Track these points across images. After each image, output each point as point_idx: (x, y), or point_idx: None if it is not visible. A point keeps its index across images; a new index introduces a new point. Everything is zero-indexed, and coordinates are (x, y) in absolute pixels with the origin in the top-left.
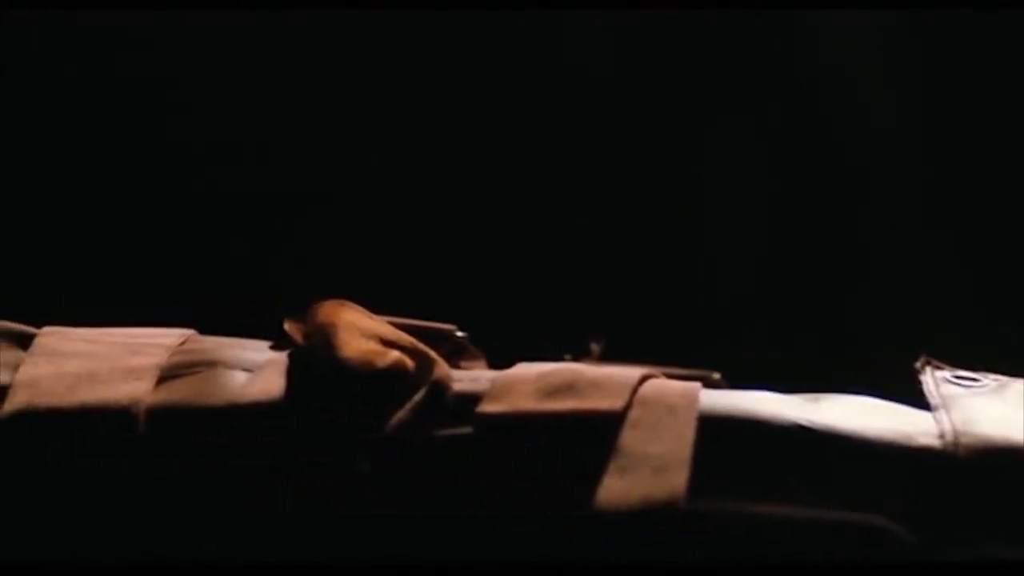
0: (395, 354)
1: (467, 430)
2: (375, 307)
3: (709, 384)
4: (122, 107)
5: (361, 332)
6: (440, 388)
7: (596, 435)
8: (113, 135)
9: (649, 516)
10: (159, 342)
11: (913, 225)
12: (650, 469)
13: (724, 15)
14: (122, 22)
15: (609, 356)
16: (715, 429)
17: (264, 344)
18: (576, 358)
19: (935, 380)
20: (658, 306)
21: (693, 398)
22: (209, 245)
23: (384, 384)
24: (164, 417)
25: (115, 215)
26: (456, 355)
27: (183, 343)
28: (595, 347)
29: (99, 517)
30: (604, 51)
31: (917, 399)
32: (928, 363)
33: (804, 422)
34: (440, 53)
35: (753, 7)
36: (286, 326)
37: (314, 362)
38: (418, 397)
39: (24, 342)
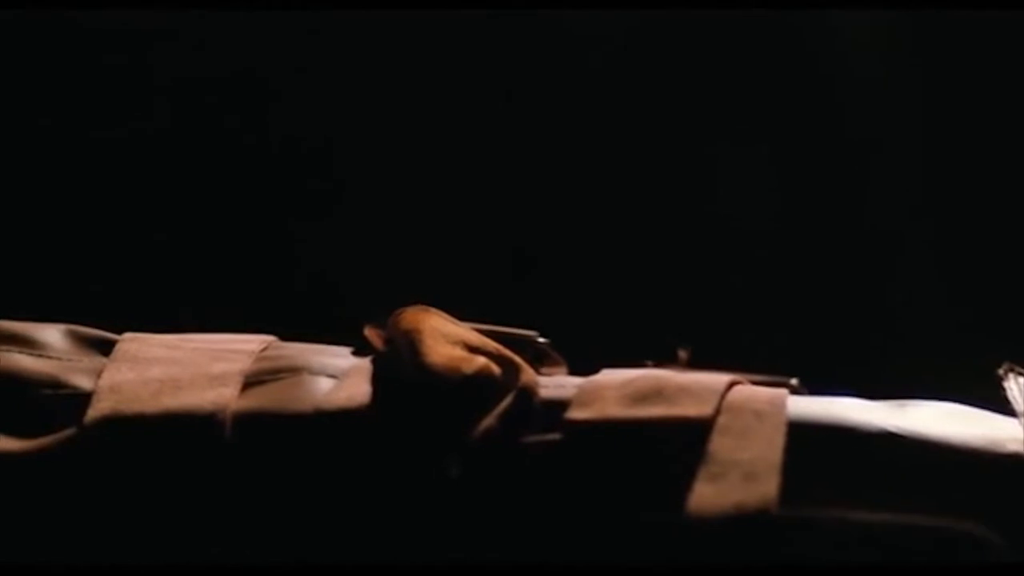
0: (481, 360)
1: (555, 437)
2: (450, 313)
3: (787, 390)
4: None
5: (446, 338)
6: (527, 394)
7: (685, 442)
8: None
9: (741, 523)
10: (241, 348)
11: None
12: (741, 476)
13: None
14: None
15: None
16: (803, 435)
17: (345, 350)
18: (658, 364)
19: (1020, 386)
20: (725, 312)
21: (781, 404)
22: (269, 245)
23: (471, 390)
24: (250, 423)
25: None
26: (538, 361)
27: (264, 349)
28: (683, 353)
29: (185, 523)
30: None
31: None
32: (1011, 369)
33: (893, 428)
34: (503, 56)
35: (768, 7)
36: (367, 332)
37: (400, 368)
38: (505, 403)
39: (105, 348)
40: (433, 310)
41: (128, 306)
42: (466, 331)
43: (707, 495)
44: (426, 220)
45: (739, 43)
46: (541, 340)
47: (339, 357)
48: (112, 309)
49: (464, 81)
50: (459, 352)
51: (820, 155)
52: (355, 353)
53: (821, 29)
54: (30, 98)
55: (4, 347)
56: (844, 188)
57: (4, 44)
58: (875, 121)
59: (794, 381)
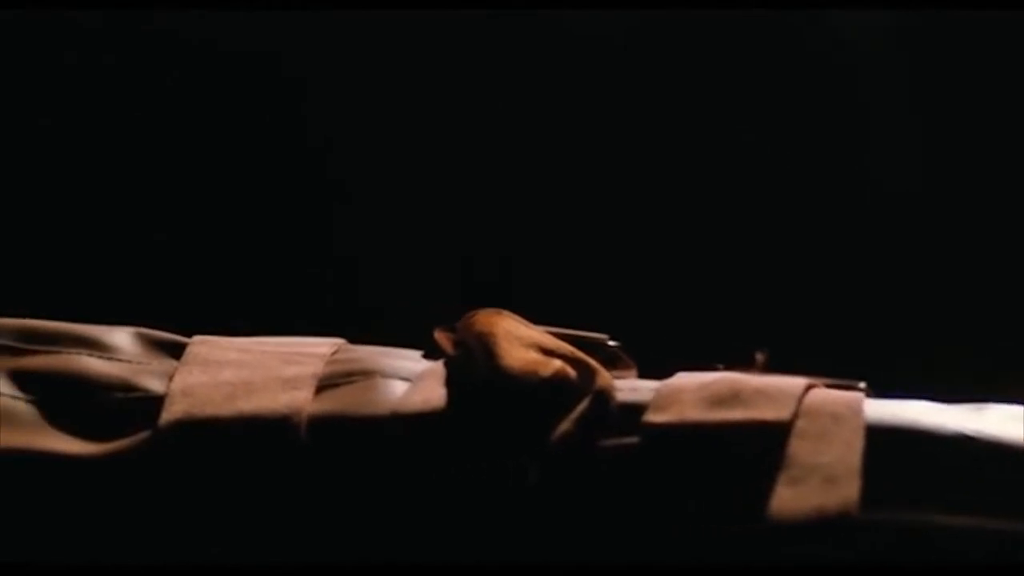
0: (557, 363)
1: (633, 440)
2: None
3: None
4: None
5: (520, 341)
6: (604, 398)
7: (763, 445)
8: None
9: (823, 526)
10: (312, 351)
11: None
12: (820, 479)
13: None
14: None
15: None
16: (881, 439)
17: (415, 353)
18: (728, 367)
19: None
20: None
21: (858, 408)
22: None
23: (547, 394)
24: (325, 427)
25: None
26: (609, 364)
27: (335, 352)
28: (760, 356)
29: (260, 525)
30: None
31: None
32: None
33: (970, 432)
34: (503, 56)
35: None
36: (436, 335)
37: (474, 372)
38: (582, 407)
39: (174, 351)
40: (506, 312)
41: (128, 306)
42: (540, 334)
43: (787, 498)
44: (427, 221)
45: (739, 43)
46: (612, 343)
47: (410, 360)
48: (112, 309)
49: (464, 81)
50: (534, 355)
51: (820, 155)
52: (426, 356)
53: (821, 29)
54: (30, 98)
55: (74, 350)
56: (844, 187)
57: (4, 44)
58: (875, 121)
59: (862, 384)
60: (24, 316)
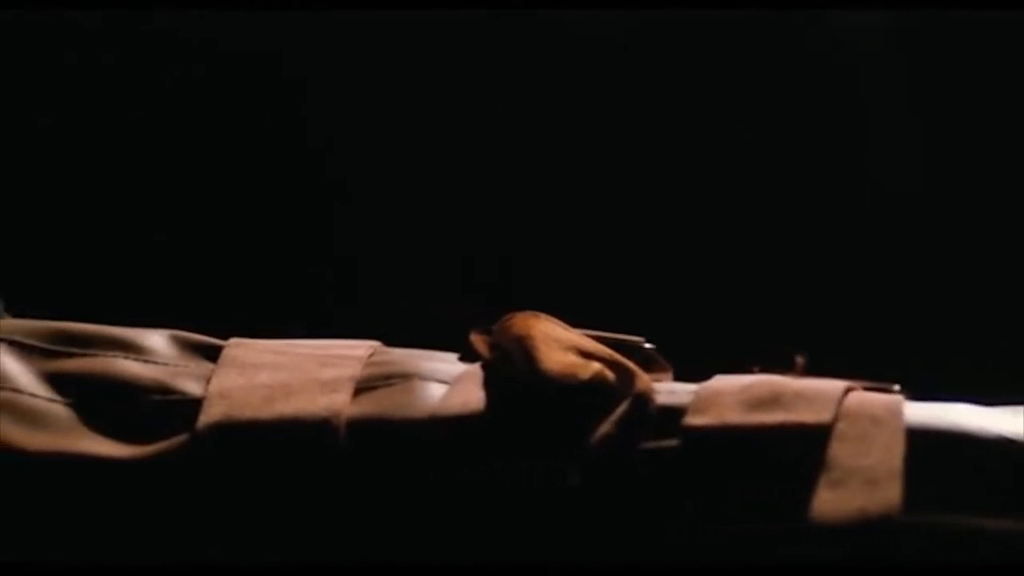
0: (596, 366)
1: (672, 443)
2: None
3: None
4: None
5: (558, 343)
6: (644, 400)
7: (804, 448)
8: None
9: (865, 528)
10: (349, 354)
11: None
12: (862, 482)
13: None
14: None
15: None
16: (921, 441)
17: (451, 356)
18: (764, 369)
19: None
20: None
21: (898, 410)
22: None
23: (587, 396)
24: (364, 429)
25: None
26: (645, 367)
27: (371, 354)
28: (800, 359)
29: (299, 527)
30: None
31: None
32: None
33: (1011, 434)
34: (503, 56)
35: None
36: (472, 337)
37: (513, 374)
38: (622, 409)
39: (209, 353)
40: (543, 315)
41: (127, 306)
42: (578, 336)
43: (829, 501)
44: (427, 221)
45: (739, 43)
46: (648, 345)
47: (447, 363)
48: (112, 309)
49: (464, 81)
50: (573, 358)
51: (820, 155)
52: (462, 359)
53: (821, 29)
54: (30, 98)
55: (111, 352)
56: (844, 187)
57: (4, 44)
58: (875, 121)
59: (896, 387)
60: (36, 316)
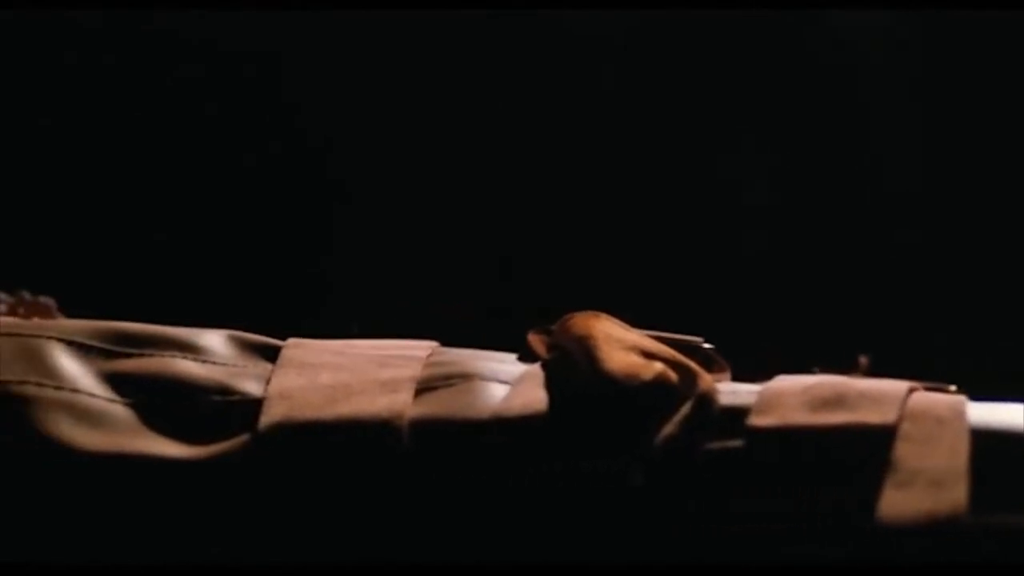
0: (659, 366)
1: (737, 443)
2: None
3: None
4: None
5: (620, 344)
6: (707, 401)
7: (870, 449)
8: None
9: (933, 530)
10: (408, 354)
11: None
12: (928, 483)
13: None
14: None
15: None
16: (985, 442)
17: (510, 356)
18: (823, 370)
19: None
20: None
21: (961, 411)
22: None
23: (650, 397)
24: (426, 430)
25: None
26: (704, 367)
27: (430, 354)
28: (863, 360)
29: (361, 528)
30: None
31: None
32: None
33: None
34: (503, 56)
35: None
36: (530, 338)
37: (575, 375)
38: (685, 410)
39: (267, 353)
40: (603, 315)
41: (127, 306)
42: (639, 336)
43: (896, 502)
44: (427, 221)
45: (739, 43)
46: (707, 345)
47: (506, 363)
48: (112, 309)
49: (464, 81)
50: (636, 358)
51: (819, 154)
52: (520, 359)
53: (821, 29)
54: (30, 98)
55: (169, 352)
56: (844, 187)
57: (4, 44)
58: (875, 121)
59: (952, 387)
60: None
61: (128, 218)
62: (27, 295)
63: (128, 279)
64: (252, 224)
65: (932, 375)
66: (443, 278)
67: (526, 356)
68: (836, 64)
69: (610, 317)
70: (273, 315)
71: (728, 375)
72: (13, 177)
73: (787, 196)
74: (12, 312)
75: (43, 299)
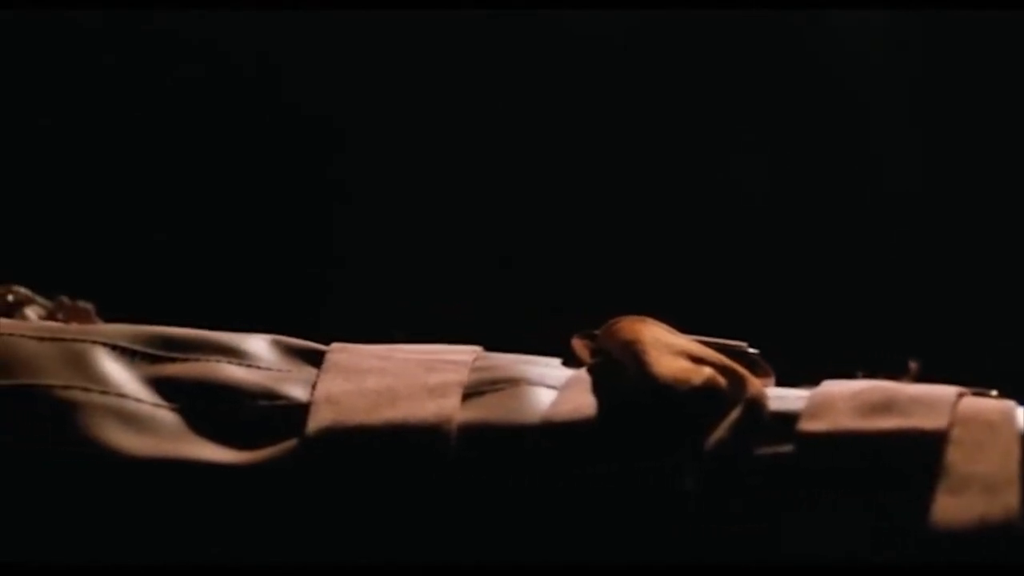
0: (708, 371)
1: (787, 449)
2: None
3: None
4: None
5: (668, 348)
6: (756, 406)
7: (921, 454)
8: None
9: (987, 535)
10: (453, 359)
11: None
12: (980, 488)
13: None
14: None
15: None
16: None
17: (554, 360)
18: (868, 375)
19: None
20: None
21: (1011, 415)
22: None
23: (700, 402)
24: (475, 435)
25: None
26: (749, 371)
27: (475, 359)
28: (913, 365)
29: (410, 533)
30: None
31: None
32: None
33: None
34: (503, 56)
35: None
36: (574, 342)
37: (623, 380)
38: (735, 415)
39: (311, 358)
40: (649, 320)
41: (127, 306)
42: (687, 341)
43: (950, 508)
44: (427, 221)
45: (739, 43)
46: (752, 350)
47: (552, 368)
48: (112, 309)
49: (464, 81)
50: (685, 363)
51: (819, 153)
52: (565, 364)
53: (821, 29)
54: (30, 98)
55: (213, 357)
56: (843, 187)
57: (4, 44)
58: (875, 121)
59: (994, 392)
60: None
61: (128, 218)
62: (66, 299)
63: (127, 279)
64: (251, 225)
65: (965, 380)
66: (443, 278)
67: (570, 361)
68: (836, 64)
69: (656, 321)
70: (271, 316)
71: (772, 380)
72: (13, 177)
73: (786, 197)
74: (51, 317)
75: (82, 303)
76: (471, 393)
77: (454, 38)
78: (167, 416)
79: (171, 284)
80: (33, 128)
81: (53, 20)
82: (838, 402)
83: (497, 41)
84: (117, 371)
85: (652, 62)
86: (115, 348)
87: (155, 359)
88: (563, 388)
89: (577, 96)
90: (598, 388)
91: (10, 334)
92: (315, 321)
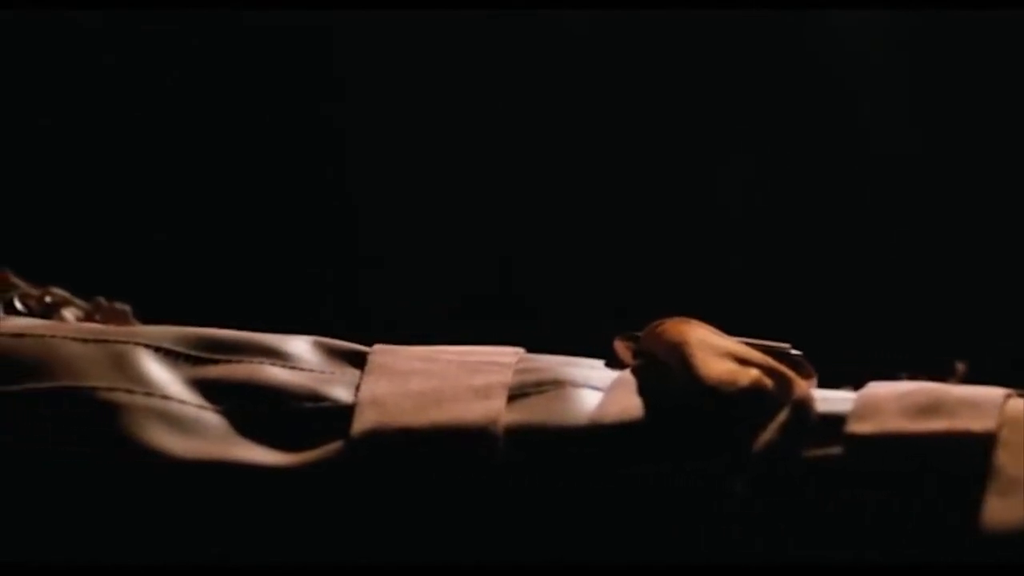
0: (755, 372)
1: (836, 451)
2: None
3: None
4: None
5: (714, 350)
6: (804, 407)
7: (970, 456)
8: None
9: None
10: (496, 360)
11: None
12: None
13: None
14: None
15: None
16: None
17: (596, 362)
18: (911, 376)
19: None
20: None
21: None
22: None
23: (747, 404)
24: (522, 437)
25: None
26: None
27: (518, 361)
28: (960, 366)
29: (458, 535)
30: None
31: None
32: None
33: None
34: (503, 56)
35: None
36: (616, 344)
37: (669, 381)
38: (783, 417)
39: (354, 360)
40: (694, 321)
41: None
42: (732, 342)
43: (998, 510)
44: (427, 221)
45: (739, 43)
46: (795, 352)
47: (595, 369)
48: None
49: (464, 81)
50: (731, 365)
51: (819, 153)
52: (608, 365)
53: (821, 29)
54: (30, 98)
55: (256, 359)
56: (843, 187)
57: (4, 44)
58: (875, 121)
59: None
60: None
61: (127, 218)
62: (103, 301)
63: (127, 279)
64: (252, 224)
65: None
66: (443, 278)
67: (612, 362)
68: (836, 64)
69: (700, 322)
70: (271, 316)
71: (815, 381)
72: (13, 177)
73: (785, 197)
74: (88, 318)
75: (119, 305)
76: (516, 395)
77: (454, 38)
78: (212, 418)
79: (170, 284)
80: (33, 128)
81: (53, 20)
82: (885, 404)
83: (497, 41)
84: (161, 373)
85: (652, 62)
86: (158, 350)
87: (198, 361)
88: (609, 390)
89: (577, 96)
90: (644, 390)
91: (52, 335)
92: (314, 322)
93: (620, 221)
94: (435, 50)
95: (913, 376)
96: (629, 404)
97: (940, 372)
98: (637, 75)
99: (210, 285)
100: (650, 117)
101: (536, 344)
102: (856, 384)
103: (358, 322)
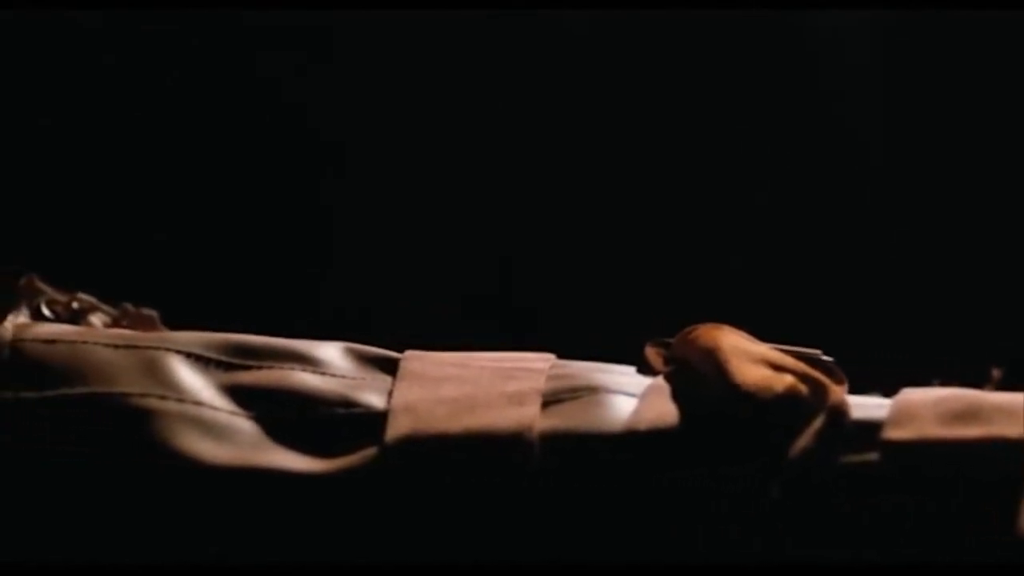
0: (789, 379)
1: (872, 457)
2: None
3: None
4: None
5: (747, 356)
6: (839, 414)
7: (1005, 462)
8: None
9: None
10: (530, 366)
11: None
12: None
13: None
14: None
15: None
16: None
17: (628, 368)
18: (944, 383)
19: None
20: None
21: None
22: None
23: (782, 410)
24: (557, 443)
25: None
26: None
27: (551, 367)
28: (996, 372)
29: (492, 541)
30: None
31: None
32: None
33: None
34: (503, 56)
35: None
36: (648, 350)
37: (704, 388)
38: (819, 422)
39: (385, 366)
40: (726, 327)
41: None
42: (765, 348)
43: None
44: (427, 221)
45: (740, 43)
46: (826, 358)
47: (627, 375)
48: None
49: (464, 81)
50: (766, 371)
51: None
52: (640, 371)
53: (821, 29)
54: (30, 98)
55: (288, 365)
56: (842, 187)
57: (4, 44)
58: (874, 120)
59: None
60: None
61: (127, 218)
62: (130, 307)
63: (127, 278)
64: (252, 224)
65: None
66: (443, 278)
67: (644, 369)
68: (836, 64)
69: (734, 329)
70: (271, 317)
71: (846, 387)
72: (12, 177)
73: (785, 197)
74: (116, 324)
75: (146, 311)
76: (550, 401)
77: (454, 38)
78: (244, 424)
79: (170, 283)
80: (33, 128)
81: (53, 20)
82: (921, 410)
83: (497, 41)
84: (193, 379)
85: (652, 62)
86: (190, 356)
87: (230, 367)
88: (643, 396)
89: (577, 96)
90: (679, 396)
91: (84, 341)
92: (315, 322)
93: (620, 221)
94: (435, 50)
95: (945, 383)
96: (664, 410)
97: (944, 374)
98: (637, 75)
99: (210, 285)
100: (650, 117)
101: (536, 344)
102: (876, 388)
103: (358, 322)
